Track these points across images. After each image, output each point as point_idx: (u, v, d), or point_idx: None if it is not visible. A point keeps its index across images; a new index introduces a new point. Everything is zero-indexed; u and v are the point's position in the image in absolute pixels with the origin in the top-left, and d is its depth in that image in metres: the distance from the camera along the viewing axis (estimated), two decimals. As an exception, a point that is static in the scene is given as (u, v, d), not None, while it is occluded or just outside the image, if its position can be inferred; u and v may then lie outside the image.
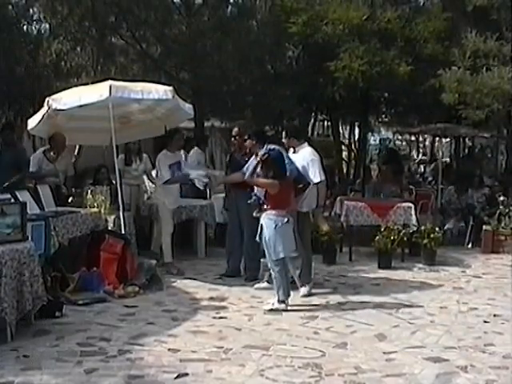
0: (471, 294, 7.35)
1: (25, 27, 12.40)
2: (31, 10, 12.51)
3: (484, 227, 10.14)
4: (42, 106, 7.88)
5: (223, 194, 8.87)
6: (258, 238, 6.60)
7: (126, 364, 4.83)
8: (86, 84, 9.26)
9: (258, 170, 6.71)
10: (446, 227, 10.81)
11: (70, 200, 8.12)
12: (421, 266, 8.88)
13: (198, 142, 10.88)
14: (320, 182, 7.06)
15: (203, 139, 11.69)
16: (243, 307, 6.52)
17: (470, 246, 10.54)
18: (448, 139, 19.75)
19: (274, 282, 6.56)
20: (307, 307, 6.57)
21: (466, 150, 19.92)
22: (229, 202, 8.12)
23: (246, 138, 7.55)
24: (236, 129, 7.99)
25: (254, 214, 6.67)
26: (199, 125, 12.07)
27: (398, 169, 11.97)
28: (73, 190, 8.47)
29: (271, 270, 6.65)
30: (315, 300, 6.89)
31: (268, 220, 6.42)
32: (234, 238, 7.88)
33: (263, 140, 7.25)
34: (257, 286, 7.28)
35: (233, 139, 8.06)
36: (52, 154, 8.42)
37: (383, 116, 18.46)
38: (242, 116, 13.74)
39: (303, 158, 7.10)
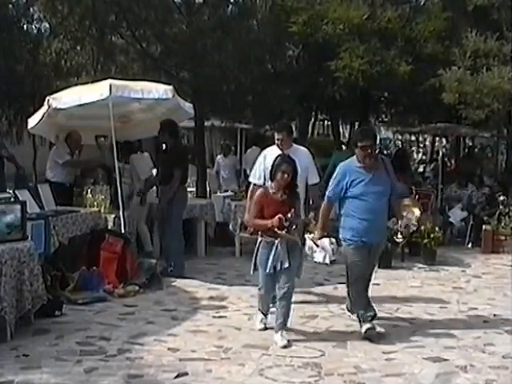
0: (471, 294, 7.35)
1: (25, 26, 12.44)
2: (31, 9, 12.54)
3: (484, 227, 10.14)
4: (42, 105, 7.88)
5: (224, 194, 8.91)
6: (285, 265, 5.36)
7: (125, 363, 4.83)
8: (86, 83, 9.26)
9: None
10: (450, 218, 10.80)
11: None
12: (421, 265, 8.88)
13: (256, 140, 11.17)
14: (317, 183, 6.63)
15: (261, 138, 13.23)
16: (243, 307, 6.51)
17: (470, 245, 10.54)
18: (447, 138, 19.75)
19: (285, 306, 5.47)
20: (307, 307, 6.56)
21: (466, 150, 19.90)
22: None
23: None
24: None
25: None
26: (199, 124, 12.07)
27: (405, 167, 11.94)
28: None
29: (285, 294, 5.45)
30: (315, 300, 6.89)
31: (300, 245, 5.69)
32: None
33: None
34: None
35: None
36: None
37: (383, 116, 18.46)
38: (242, 115, 13.80)
39: (306, 156, 6.56)
